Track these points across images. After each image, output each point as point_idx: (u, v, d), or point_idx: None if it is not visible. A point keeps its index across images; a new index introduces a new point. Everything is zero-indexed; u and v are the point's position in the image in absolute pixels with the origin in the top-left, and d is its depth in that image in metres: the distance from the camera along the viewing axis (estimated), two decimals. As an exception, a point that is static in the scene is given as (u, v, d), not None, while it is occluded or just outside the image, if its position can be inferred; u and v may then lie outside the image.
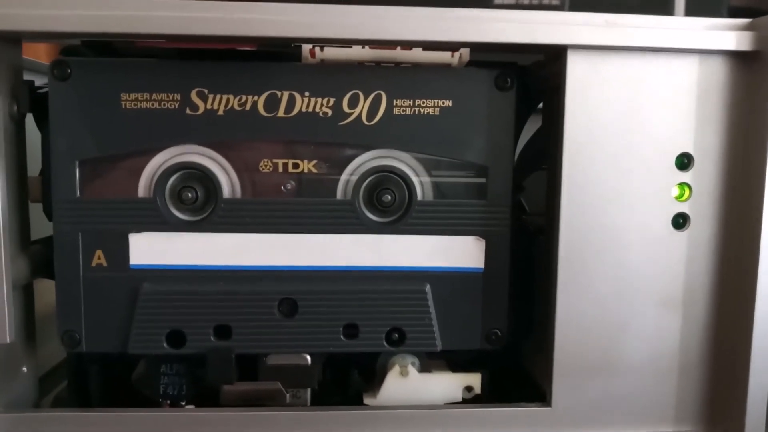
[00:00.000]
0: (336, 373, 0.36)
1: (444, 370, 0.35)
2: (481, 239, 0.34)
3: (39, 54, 0.56)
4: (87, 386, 0.35)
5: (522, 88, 0.33)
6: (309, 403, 0.34)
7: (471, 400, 0.35)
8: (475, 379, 0.35)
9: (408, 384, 0.34)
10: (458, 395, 0.34)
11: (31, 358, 0.34)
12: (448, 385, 0.34)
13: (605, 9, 0.32)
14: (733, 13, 0.35)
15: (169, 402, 0.34)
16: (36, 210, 0.34)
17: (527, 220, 0.39)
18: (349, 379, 0.36)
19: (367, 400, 0.34)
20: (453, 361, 0.35)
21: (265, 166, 0.33)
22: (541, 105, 0.38)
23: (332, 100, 0.32)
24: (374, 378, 0.35)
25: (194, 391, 0.34)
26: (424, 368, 0.35)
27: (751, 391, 0.32)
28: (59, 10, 0.29)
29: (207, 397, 0.34)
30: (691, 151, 0.32)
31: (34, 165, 0.34)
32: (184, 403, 0.34)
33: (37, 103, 0.32)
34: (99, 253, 0.32)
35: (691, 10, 0.40)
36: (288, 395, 0.34)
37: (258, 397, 0.33)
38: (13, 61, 0.32)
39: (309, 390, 0.34)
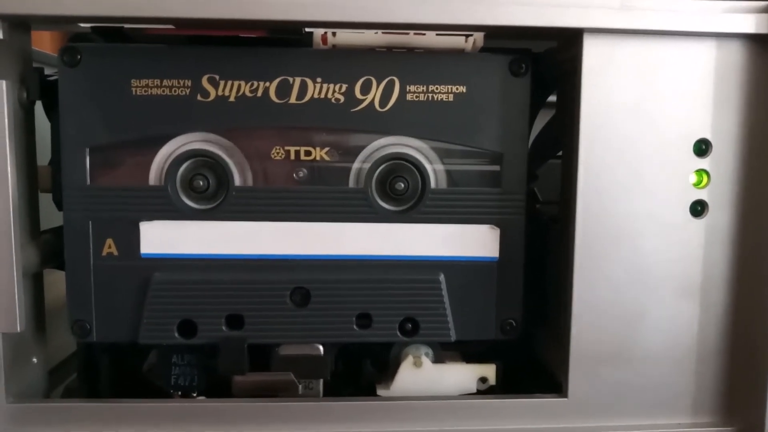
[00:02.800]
0: (349, 363, 0.35)
1: (458, 361, 0.34)
2: (495, 228, 0.33)
3: (45, 45, 0.56)
4: (97, 377, 0.35)
5: (536, 75, 0.33)
6: (321, 394, 0.34)
7: (485, 391, 0.34)
8: (489, 370, 0.34)
9: (422, 375, 0.33)
10: (472, 386, 0.34)
11: (41, 348, 0.34)
12: (463, 376, 0.34)
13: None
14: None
15: (180, 393, 0.33)
16: (46, 200, 0.33)
17: (540, 209, 0.38)
18: (362, 370, 0.35)
19: (380, 391, 0.34)
20: (467, 352, 0.35)
21: (277, 153, 0.32)
22: (553, 96, 0.37)
23: (344, 87, 0.32)
24: (387, 369, 0.34)
25: (206, 382, 0.33)
26: (437, 359, 0.34)
27: (773, 380, 0.32)
28: (68, -6, 0.29)
29: (219, 388, 0.33)
30: (709, 137, 0.32)
31: (42, 156, 0.33)
32: (195, 394, 0.34)
33: (46, 90, 0.32)
34: (110, 241, 0.32)
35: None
36: (300, 386, 0.33)
37: (270, 387, 0.33)
38: (23, 47, 0.32)
39: (321, 381, 0.34)
